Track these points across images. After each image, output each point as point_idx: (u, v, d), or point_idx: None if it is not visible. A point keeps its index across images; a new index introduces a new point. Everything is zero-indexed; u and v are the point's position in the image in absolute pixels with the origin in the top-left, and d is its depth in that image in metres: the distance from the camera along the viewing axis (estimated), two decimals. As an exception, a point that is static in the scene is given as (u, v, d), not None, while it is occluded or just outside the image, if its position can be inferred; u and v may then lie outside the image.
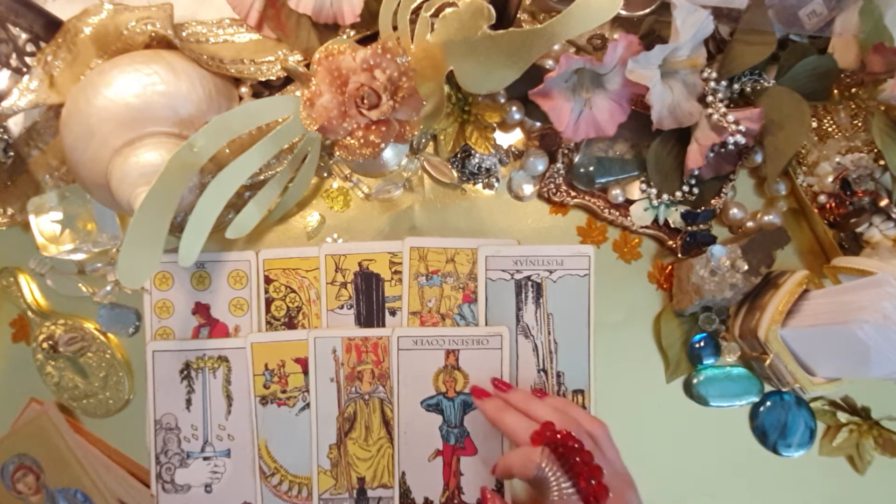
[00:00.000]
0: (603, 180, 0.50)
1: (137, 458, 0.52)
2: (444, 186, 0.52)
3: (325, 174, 0.52)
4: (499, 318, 0.50)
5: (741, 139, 0.44)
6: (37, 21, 0.46)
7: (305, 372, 0.50)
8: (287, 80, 0.49)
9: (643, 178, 0.50)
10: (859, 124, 0.49)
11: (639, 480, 0.40)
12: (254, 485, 0.51)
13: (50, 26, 0.47)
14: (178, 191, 0.39)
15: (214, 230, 0.43)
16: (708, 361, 0.50)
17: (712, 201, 0.49)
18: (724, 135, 0.44)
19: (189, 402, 0.51)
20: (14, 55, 0.46)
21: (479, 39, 0.37)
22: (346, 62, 0.37)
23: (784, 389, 0.50)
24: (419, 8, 0.40)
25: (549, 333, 0.50)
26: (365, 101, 0.37)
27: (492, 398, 0.46)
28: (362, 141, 0.37)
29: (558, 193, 0.50)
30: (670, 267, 0.51)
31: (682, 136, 0.48)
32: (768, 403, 0.50)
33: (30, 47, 0.47)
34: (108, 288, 0.52)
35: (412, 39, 0.40)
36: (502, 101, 0.50)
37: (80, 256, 0.51)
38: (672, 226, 0.50)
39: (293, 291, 0.51)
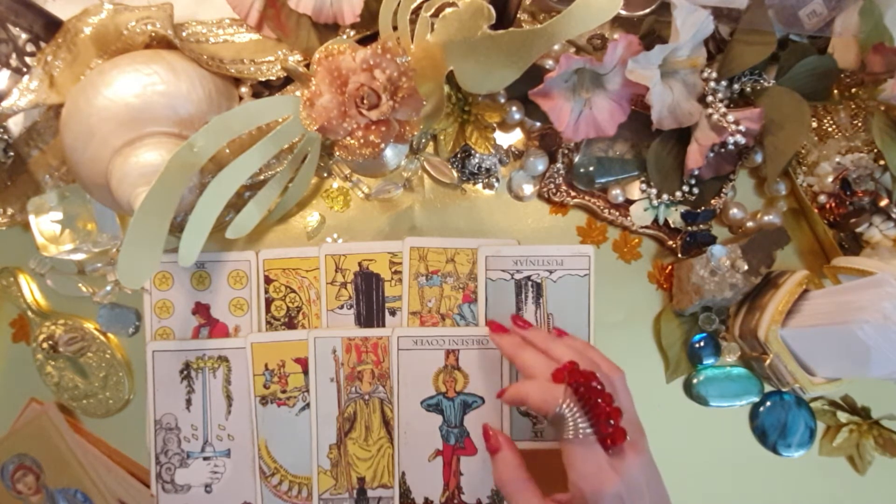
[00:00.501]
0: (603, 180, 0.50)
1: (137, 458, 0.52)
2: (444, 186, 0.52)
3: (325, 174, 0.52)
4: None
5: (741, 139, 0.44)
6: (37, 21, 0.46)
7: (305, 372, 0.50)
8: (287, 80, 0.49)
9: (643, 178, 0.50)
10: (859, 124, 0.49)
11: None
12: (254, 485, 0.51)
13: (50, 26, 0.47)
14: (178, 191, 0.39)
15: (214, 230, 0.43)
16: (708, 361, 0.50)
17: (712, 201, 0.49)
18: (724, 135, 0.44)
19: (189, 402, 0.51)
20: (14, 55, 0.46)
21: (479, 39, 0.37)
22: (346, 62, 0.37)
23: (784, 389, 0.50)
24: (419, 8, 0.40)
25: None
26: (365, 101, 0.37)
27: (509, 334, 0.46)
28: (362, 141, 0.37)
29: (558, 193, 0.50)
30: (670, 267, 0.51)
31: (682, 136, 0.48)
32: (768, 403, 0.50)
33: (30, 47, 0.47)
34: (108, 288, 0.52)
35: (412, 39, 0.40)
36: (502, 101, 0.50)
37: (80, 256, 0.51)
38: (672, 226, 0.50)
39: (293, 291, 0.51)
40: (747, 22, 0.45)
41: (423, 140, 0.51)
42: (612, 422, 0.36)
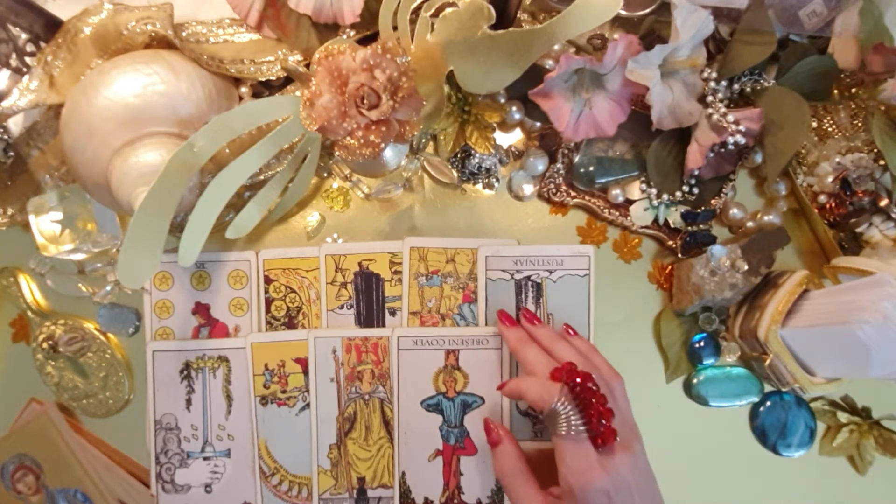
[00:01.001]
0: (603, 180, 0.50)
1: (137, 458, 0.52)
2: (444, 186, 0.52)
3: (325, 174, 0.52)
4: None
5: (741, 139, 0.44)
6: (37, 21, 0.46)
7: (305, 372, 0.50)
8: (287, 80, 0.49)
9: (643, 178, 0.50)
10: (859, 124, 0.49)
11: (639, 480, 0.40)
12: (254, 485, 0.51)
13: (50, 26, 0.47)
14: (178, 191, 0.39)
15: (214, 230, 0.43)
16: (708, 361, 0.50)
17: (712, 201, 0.49)
18: (724, 135, 0.44)
19: (189, 402, 0.51)
20: (14, 55, 0.46)
21: (479, 39, 0.37)
22: (346, 62, 0.37)
23: (784, 389, 0.50)
24: (419, 8, 0.40)
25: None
26: (365, 101, 0.36)
27: (517, 328, 0.47)
28: (362, 141, 0.37)
29: (558, 193, 0.50)
30: (670, 267, 0.51)
31: (682, 136, 0.48)
32: (768, 403, 0.50)
33: (30, 47, 0.47)
34: (108, 288, 0.52)
35: (412, 39, 0.40)
36: (502, 101, 0.50)
37: (80, 256, 0.51)
38: (672, 226, 0.50)
39: (293, 291, 0.51)
40: (747, 22, 0.45)
41: (423, 140, 0.51)
42: (603, 421, 0.37)
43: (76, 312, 0.53)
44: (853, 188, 0.48)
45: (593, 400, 0.38)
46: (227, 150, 0.47)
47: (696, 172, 0.48)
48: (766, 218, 0.49)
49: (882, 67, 0.45)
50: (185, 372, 0.51)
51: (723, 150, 0.46)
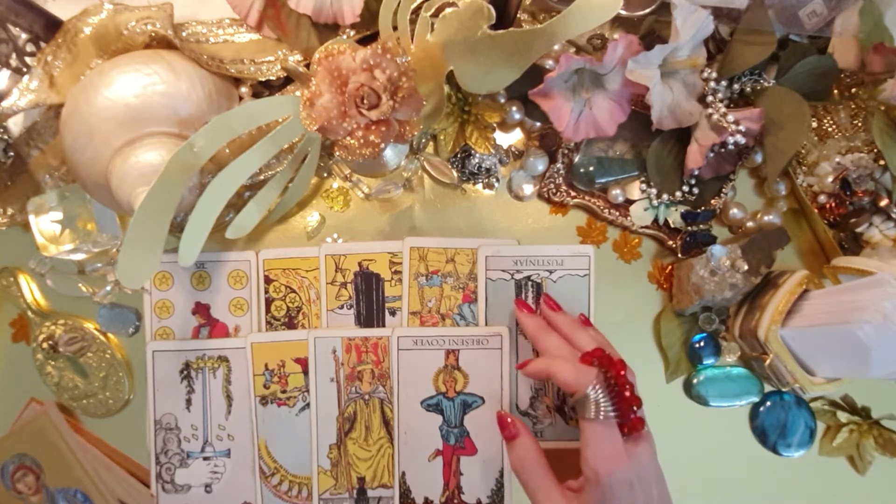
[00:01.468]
0: (603, 180, 0.50)
1: (137, 458, 0.52)
2: (444, 186, 0.52)
3: (325, 174, 0.52)
4: (499, 318, 0.50)
5: (741, 139, 0.44)
6: (37, 21, 0.46)
7: (305, 372, 0.50)
8: (287, 80, 0.49)
9: (643, 178, 0.50)
10: (859, 124, 0.49)
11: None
12: (254, 485, 0.51)
13: (50, 26, 0.47)
14: (178, 191, 0.39)
15: (214, 230, 0.43)
16: (708, 361, 0.50)
17: (712, 201, 0.49)
18: (724, 135, 0.44)
19: (189, 402, 0.51)
20: (14, 55, 0.46)
21: (479, 39, 0.37)
22: (346, 62, 0.37)
23: (784, 389, 0.50)
24: (419, 8, 0.40)
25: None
26: (365, 101, 0.37)
27: (535, 316, 0.47)
28: (362, 141, 0.37)
29: (558, 193, 0.50)
30: (670, 267, 0.51)
31: (682, 136, 0.48)
32: (768, 403, 0.50)
33: (30, 47, 0.47)
34: (108, 288, 0.52)
35: (412, 39, 0.40)
36: (502, 101, 0.50)
37: (80, 256, 0.51)
38: (672, 226, 0.50)
39: (293, 291, 0.51)
40: (747, 22, 0.45)
41: (423, 140, 0.51)
42: (634, 408, 0.38)
43: (76, 312, 0.53)
44: (853, 188, 0.48)
45: (627, 386, 0.38)
46: (227, 150, 0.47)
47: (696, 172, 0.48)
48: (766, 218, 0.49)
49: (882, 67, 0.45)
50: (185, 372, 0.51)
51: (723, 150, 0.46)
